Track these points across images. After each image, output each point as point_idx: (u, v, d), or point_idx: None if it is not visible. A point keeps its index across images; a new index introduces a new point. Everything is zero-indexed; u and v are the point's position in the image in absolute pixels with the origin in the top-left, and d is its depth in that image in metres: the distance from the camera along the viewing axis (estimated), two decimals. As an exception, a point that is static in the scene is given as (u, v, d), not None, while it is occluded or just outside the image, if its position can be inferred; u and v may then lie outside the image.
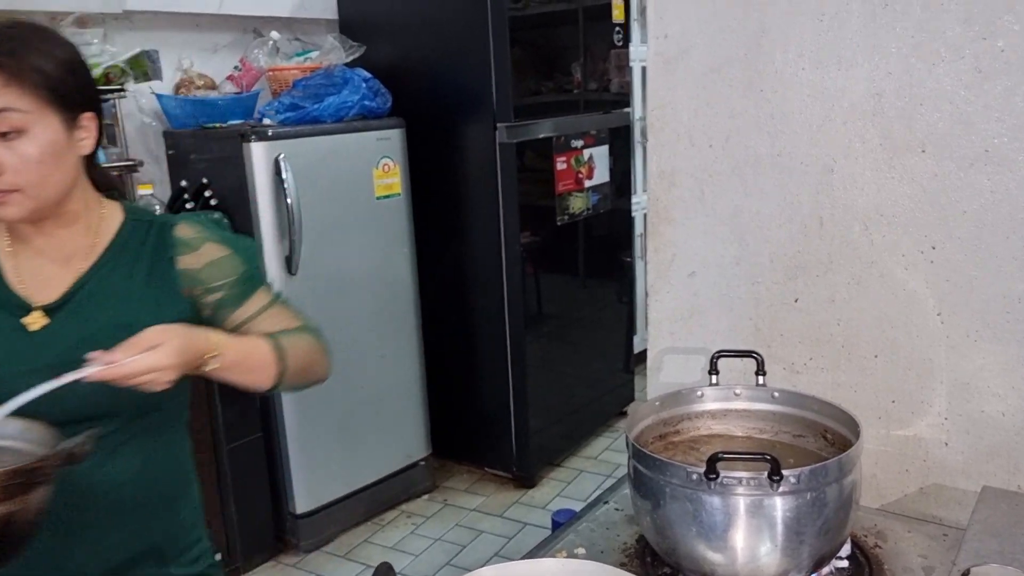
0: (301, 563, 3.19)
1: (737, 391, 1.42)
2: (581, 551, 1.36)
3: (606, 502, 1.52)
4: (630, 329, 4.41)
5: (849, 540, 1.30)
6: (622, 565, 1.32)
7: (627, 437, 1.26)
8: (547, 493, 3.67)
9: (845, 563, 1.29)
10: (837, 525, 1.17)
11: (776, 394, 1.39)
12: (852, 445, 1.19)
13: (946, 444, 1.44)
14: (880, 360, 1.48)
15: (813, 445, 1.35)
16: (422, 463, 3.62)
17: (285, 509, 3.20)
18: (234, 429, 3.00)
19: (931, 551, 1.31)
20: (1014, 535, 1.21)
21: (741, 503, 1.13)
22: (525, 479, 3.72)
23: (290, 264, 3.02)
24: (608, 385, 4.22)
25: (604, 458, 3.96)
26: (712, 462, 1.10)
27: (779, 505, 1.12)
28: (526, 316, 3.60)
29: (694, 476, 1.13)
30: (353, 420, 3.31)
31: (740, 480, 1.11)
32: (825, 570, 1.27)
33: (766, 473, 1.09)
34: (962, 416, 1.42)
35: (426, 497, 3.64)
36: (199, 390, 2.89)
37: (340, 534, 3.35)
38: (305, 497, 3.19)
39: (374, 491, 3.44)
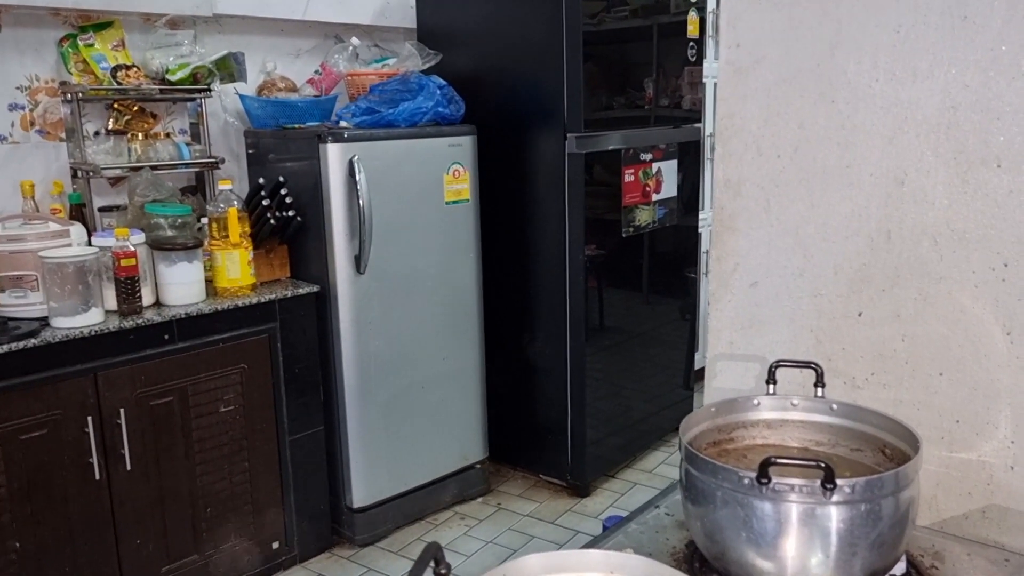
0: (355, 556, 3.26)
1: (794, 401, 1.41)
2: (629, 552, 1.37)
3: (657, 506, 1.52)
4: (691, 346, 4.37)
5: (904, 558, 1.28)
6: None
7: (680, 439, 1.27)
8: (601, 503, 3.66)
9: (899, 582, 1.27)
10: (892, 540, 1.16)
11: (835, 406, 1.38)
12: (911, 459, 1.17)
13: (1011, 468, 1.40)
14: (945, 379, 1.45)
15: (871, 460, 1.33)
16: (478, 466, 3.65)
17: (342, 502, 3.27)
18: (297, 421, 3.09)
19: (991, 575, 1.27)
20: (1079, 563, 1.18)
21: (793, 510, 1.12)
22: (579, 488, 3.72)
23: (359, 263, 3.10)
24: (667, 400, 4.19)
25: (659, 472, 3.93)
26: (764, 466, 1.10)
27: (832, 515, 1.11)
28: (587, 327, 3.61)
29: (746, 480, 1.13)
30: (412, 419, 3.36)
31: (793, 487, 1.11)
32: (879, 589, 1.25)
33: (819, 481, 1.08)
34: (1030, 440, 1.38)
35: (480, 500, 3.67)
36: (265, 381, 2.99)
37: (394, 531, 3.40)
38: (362, 492, 3.25)
39: (430, 490, 3.48)
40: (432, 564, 0.96)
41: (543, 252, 3.62)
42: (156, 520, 2.77)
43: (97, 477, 2.61)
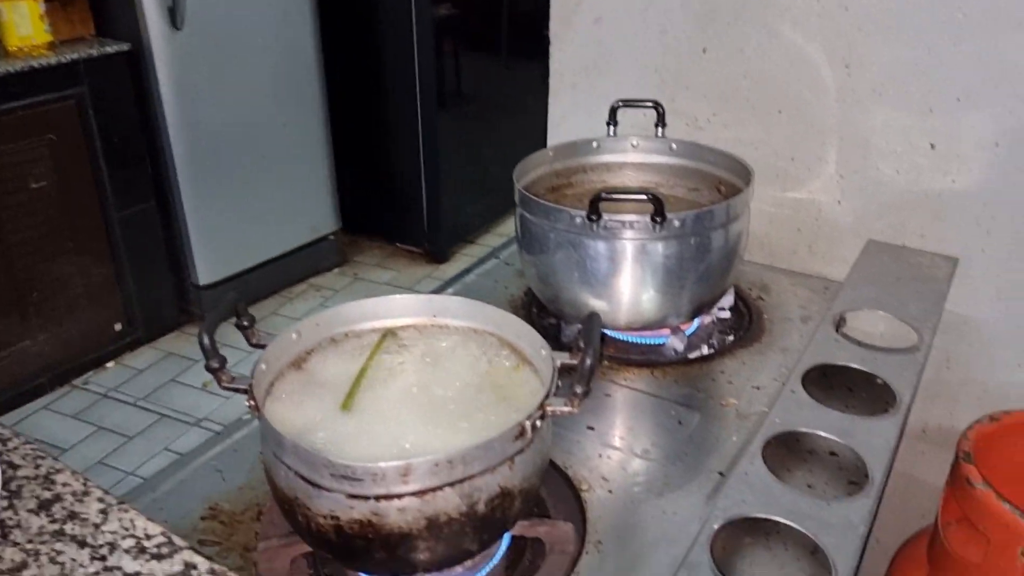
0: (207, 333, 3.17)
1: (634, 142, 1.36)
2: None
3: (497, 257, 1.49)
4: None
5: (733, 291, 1.30)
6: (507, 315, 1.30)
7: (515, 185, 1.20)
8: (458, 268, 3.67)
9: (727, 313, 1.30)
10: (719, 273, 1.16)
11: (674, 145, 1.34)
12: (742, 192, 1.15)
13: (839, 203, 1.43)
14: (784, 116, 1.43)
15: (706, 198, 1.31)
16: (331, 237, 3.56)
17: (187, 280, 3.13)
18: (124, 197, 2.85)
19: (811, 302, 1.32)
20: (890, 285, 1.23)
21: (626, 248, 1.09)
22: (437, 255, 3.71)
23: (174, 16, 2.75)
24: (524, 164, 4.14)
25: (516, 236, 3.96)
26: (594, 203, 1.05)
27: (662, 249, 1.09)
28: (441, 92, 3.43)
29: (578, 220, 1.09)
30: (255, 190, 3.18)
31: (624, 223, 1.07)
32: (707, 319, 1.28)
33: (649, 215, 1.05)
34: (857, 174, 1.39)
35: (336, 271, 3.61)
36: (80, 154, 2.70)
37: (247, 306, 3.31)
38: (207, 268, 3.11)
39: (281, 264, 3.38)
40: (235, 318, 0.87)
41: (389, 10, 3.33)
42: (-25, 308, 2.57)
43: None
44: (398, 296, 0.94)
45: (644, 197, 1.03)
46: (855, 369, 1.03)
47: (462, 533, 0.74)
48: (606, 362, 1.17)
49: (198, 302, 3.16)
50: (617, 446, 1.01)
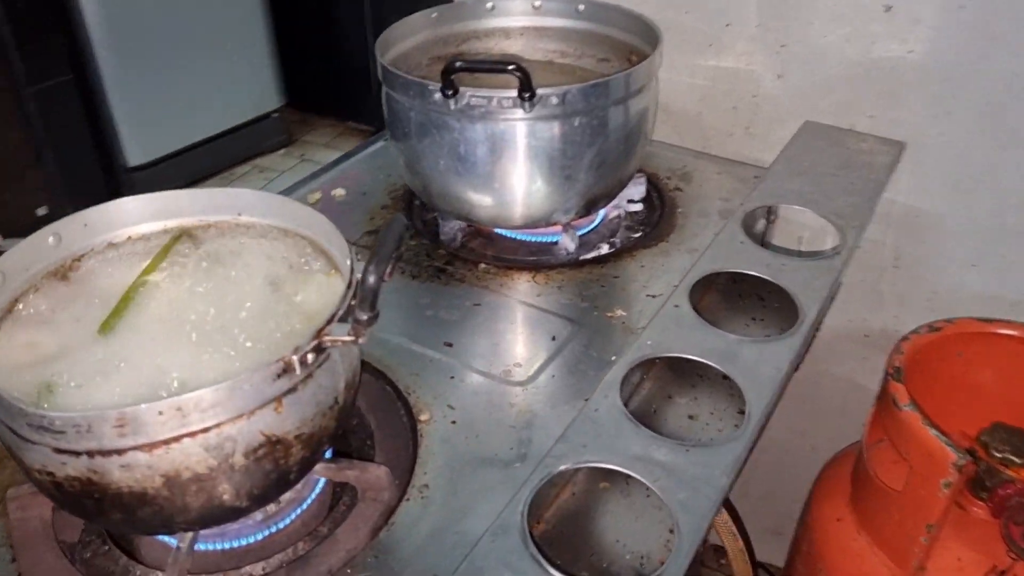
0: (143, 218, 2.99)
1: (536, 3, 1.15)
2: (340, 192, 1.16)
3: (387, 138, 1.30)
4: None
5: (644, 180, 1.13)
6: (383, 208, 1.13)
7: (377, 56, 1.00)
8: (414, 150, 3.47)
9: (638, 206, 1.13)
10: (618, 160, 0.98)
11: (581, 7, 1.13)
12: (648, 57, 0.96)
13: (779, 76, 1.23)
14: (719, -29, 1.21)
15: (616, 70, 1.12)
16: (275, 115, 3.32)
17: (117, 162, 2.93)
18: (37, 70, 2.61)
19: (736, 193, 1.15)
20: (820, 176, 1.05)
21: (494, 130, 0.91)
22: (391, 135, 3.48)
23: None
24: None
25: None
26: (447, 74, 0.86)
27: (535, 131, 0.91)
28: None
29: (436, 96, 0.90)
30: (188, 64, 2.92)
31: (488, 99, 0.88)
32: (613, 213, 1.11)
33: (516, 91, 0.86)
34: (800, 43, 1.19)
35: (282, 152, 3.39)
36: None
37: (184, 188, 3.12)
38: (137, 148, 2.90)
39: (221, 143, 3.16)
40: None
41: None
42: None
43: None
44: (195, 191, 0.77)
45: (508, 66, 0.84)
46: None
47: (219, 491, 0.59)
48: (483, 265, 1.01)
49: (130, 185, 2.96)
50: (474, 367, 0.86)
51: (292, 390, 0.59)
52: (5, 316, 0.68)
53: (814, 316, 0.82)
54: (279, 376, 0.58)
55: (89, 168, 2.88)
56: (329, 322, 0.60)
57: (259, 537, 0.70)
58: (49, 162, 2.73)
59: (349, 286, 0.63)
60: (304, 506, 0.72)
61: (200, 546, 0.68)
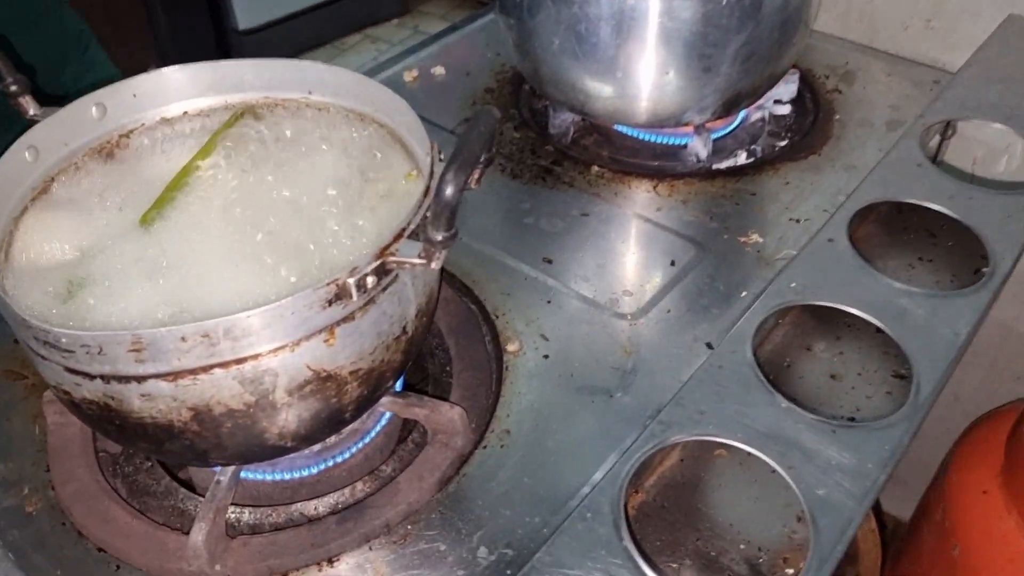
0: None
1: None
2: (440, 70, 1.02)
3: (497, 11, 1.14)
4: None
5: (797, 77, 0.94)
6: (486, 92, 0.99)
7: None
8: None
9: (786, 108, 0.95)
10: (768, 51, 0.81)
11: None
12: (820, -72, 0.76)
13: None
14: None
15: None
16: (392, -20, 3.16)
17: (227, 23, 2.84)
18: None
19: (909, 101, 0.95)
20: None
21: (616, 3, 0.75)
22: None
23: None
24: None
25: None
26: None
27: (672, 8, 0.74)
28: None
29: (557, -43, 0.74)
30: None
31: (620, -35, 0.72)
32: (756, 115, 0.94)
33: (656, -46, 0.69)
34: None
35: (395, 22, 3.23)
36: None
37: (294, 57, 3.03)
38: (248, 11, 2.80)
39: (333, 9, 3.03)
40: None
41: None
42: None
43: None
44: (260, 61, 0.65)
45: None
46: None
47: (259, 428, 0.50)
48: (596, 168, 0.87)
49: (239, 49, 2.89)
50: (576, 290, 0.73)
51: (347, 318, 0.48)
52: (38, 197, 0.59)
53: (1009, 266, 0.64)
54: (330, 303, 0.46)
55: (200, 30, 2.81)
56: (396, 239, 0.48)
57: (313, 471, 0.61)
58: (160, 23, 2.68)
59: (426, 194, 0.51)
60: (367, 438, 0.63)
61: (246, 475, 0.60)
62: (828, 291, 0.62)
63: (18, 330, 0.47)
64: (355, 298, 0.47)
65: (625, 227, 0.80)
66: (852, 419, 0.60)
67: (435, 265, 0.48)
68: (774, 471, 0.53)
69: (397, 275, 0.50)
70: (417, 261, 0.48)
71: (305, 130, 0.64)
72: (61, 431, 0.62)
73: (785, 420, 0.54)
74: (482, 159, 0.48)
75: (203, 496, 0.60)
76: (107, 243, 0.56)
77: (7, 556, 0.56)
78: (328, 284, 0.46)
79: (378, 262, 0.47)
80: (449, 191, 0.44)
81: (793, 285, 0.63)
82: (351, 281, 0.46)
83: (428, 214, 0.48)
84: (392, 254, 0.48)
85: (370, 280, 0.47)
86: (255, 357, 0.46)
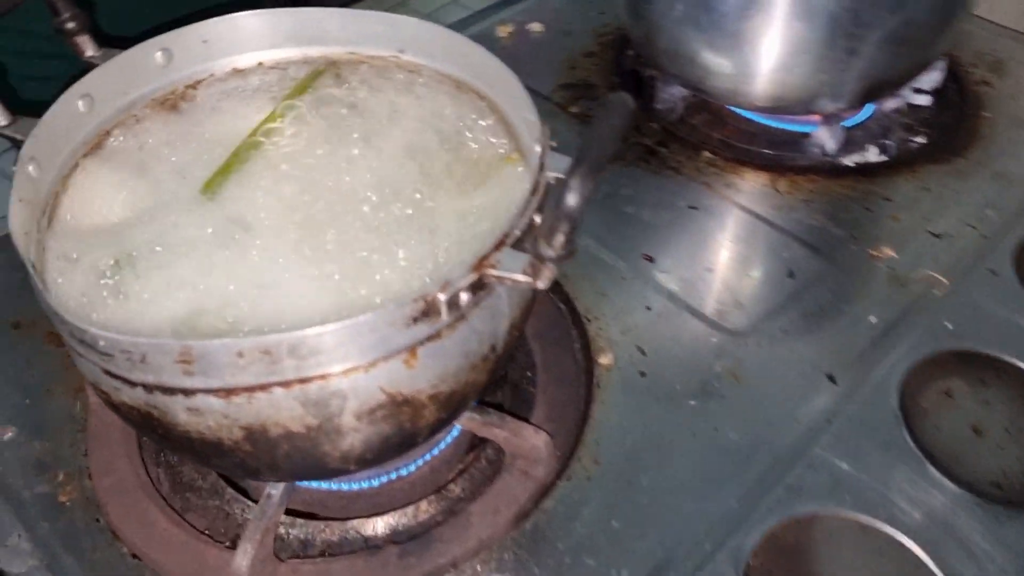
0: None
1: None
2: (537, 26, 0.93)
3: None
4: None
5: (944, 65, 0.83)
6: (586, 56, 0.89)
7: None
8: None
9: (927, 99, 0.83)
10: (922, 35, 0.70)
11: None
12: None
13: None
14: None
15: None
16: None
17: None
18: None
19: (1071, 101, 0.83)
20: None
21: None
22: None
23: None
24: None
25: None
26: None
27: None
28: None
29: (693, -91, 0.63)
30: None
31: (769, -76, 0.61)
32: (890, 104, 0.83)
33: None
34: None
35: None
36: None
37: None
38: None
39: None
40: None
41: None
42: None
43: None
44: (347, 11, 0.57)
45: None
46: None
47: (319, 453, 0.43)
48: (707, 153, 0.77)
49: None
50: (679, 296, 0.64)
51: (433, 337, 0.40)
52: (90, 152, 0.52)
53: None
54: (416, 320, 0.39)
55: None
56: (497, 247, 0.40)
57: (374, 483, 0.55)
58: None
59: (534, 192, 0.42)
60: (434, 451, 0.56)
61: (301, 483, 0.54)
62: (990, 335, 0.53)
63: (53, 320, 0.40)
64: (444, 316, 0.39)
65: (737, 225, 0.71)
66: (998, 485, 0.51)
67: (542, 285, 0.39)
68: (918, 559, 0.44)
69: (493, 288, 0.42)
70: (521, 278, 0.39)
71: (392, 96, 0.55)
72: (103, 413, 0.56)
73: (932, 493, 0.45)
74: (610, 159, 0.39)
75: (251, 500, 0.53)
76: (163, 213, 0.49)
77: (35, 553, 0.50)
78: (416, 300, 0.38)
79: (475, 276, 0.39)
80: (573, 201, 0.36)
81: (948, 326, 0.53)
82: (442, 297, 0.39)
83: (539, 222, 0.39)
84: (492, 266, 0.40)
85: (464, 296, 0.39)
86: (322, 377, 0.39)
